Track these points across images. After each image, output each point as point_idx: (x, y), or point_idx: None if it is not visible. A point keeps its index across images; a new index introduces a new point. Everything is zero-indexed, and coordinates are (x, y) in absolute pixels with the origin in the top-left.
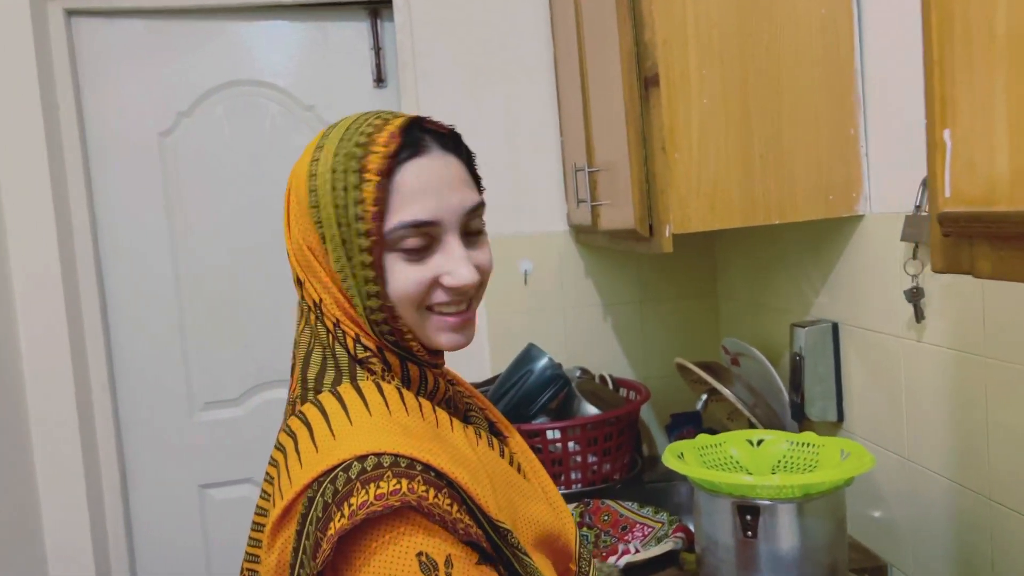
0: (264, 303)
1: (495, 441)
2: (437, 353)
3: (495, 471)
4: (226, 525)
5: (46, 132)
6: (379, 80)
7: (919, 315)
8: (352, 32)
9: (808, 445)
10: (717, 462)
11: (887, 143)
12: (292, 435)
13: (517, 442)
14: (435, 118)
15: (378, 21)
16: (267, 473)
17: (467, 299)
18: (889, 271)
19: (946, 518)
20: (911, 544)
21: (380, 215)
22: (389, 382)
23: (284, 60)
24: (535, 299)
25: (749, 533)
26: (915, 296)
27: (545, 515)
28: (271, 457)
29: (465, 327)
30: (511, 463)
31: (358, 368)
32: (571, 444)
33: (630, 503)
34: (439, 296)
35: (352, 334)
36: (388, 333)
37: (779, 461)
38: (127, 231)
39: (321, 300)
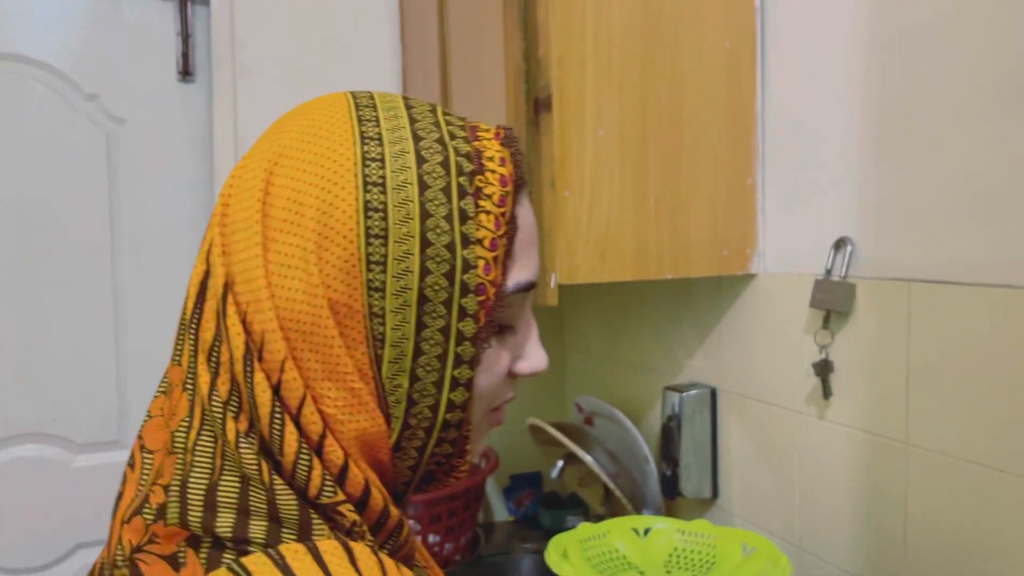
0: (13, 335)
1: None
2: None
3: None
4: None
5: None
6: (185, 73)
7: (827, 391)
8: (153, 12)
9: (702, 535)
10: (603, 559)
11: (785, 198)
12: None
13: None
14: (253, 122)
15: (188, 3)
16: None
17: None
18: (786, 338)
19: None
20: None
21: (501, 266)
22: (357, 538)
23: (61, 36)
24: None
25: None
26: (824, 370)
27: None
28: None
29: None
30: None
31: (314, 517)
32: (410, 523)
33: None
34: (507, 391)
35: (337, 458)
36: (449, 443)
37: (671, 555)
38: None
39: (307, 396)
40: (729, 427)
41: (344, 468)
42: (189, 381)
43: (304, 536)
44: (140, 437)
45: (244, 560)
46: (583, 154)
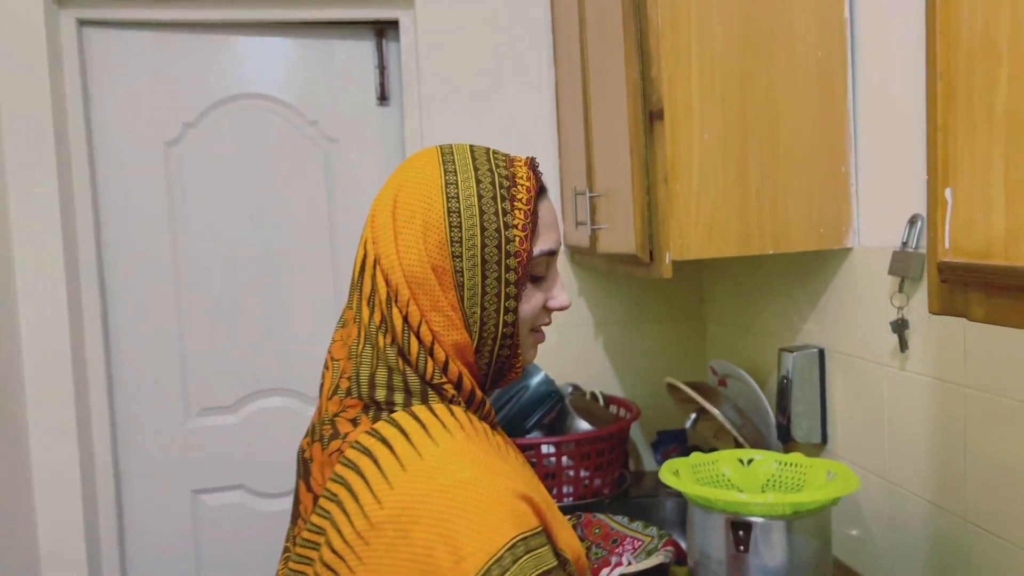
0: (261, 313)
1: (527, 463)
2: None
3: (542, 498)
4: (217, 530)
5: (55, 138)
6: (383, 99)
7: (903, 345)
8: (357, 51)
9: (795, 465)
10: (710, 479)
11: (875, 182)
12: (366, 452)
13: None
14: (437, 137)
15: (383, 41)
16: (320, 507)
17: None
18: (875, 302)
19: (925, 539)
20: (890, 563)
21: (529, 240)
22: (455, 404)
23: (290, 76)
24: None
25: (741, 548)
26: (900, 327)
27: (575, 540)
28: (327, 492)
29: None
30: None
31: (429, 390)
32: (564, 459)
33: (620, 517)
34: (543, 318)
35: (441, 357)
36: (507, 348)
37: (768, 480)
38: (131, 237)
39: (422, 321)
40: (835, 382)
41: (446, 363)
42: (357, 316)
43: (424, 401)
44: (329, 352)
45: (393, 415)
46: (691, 154)
